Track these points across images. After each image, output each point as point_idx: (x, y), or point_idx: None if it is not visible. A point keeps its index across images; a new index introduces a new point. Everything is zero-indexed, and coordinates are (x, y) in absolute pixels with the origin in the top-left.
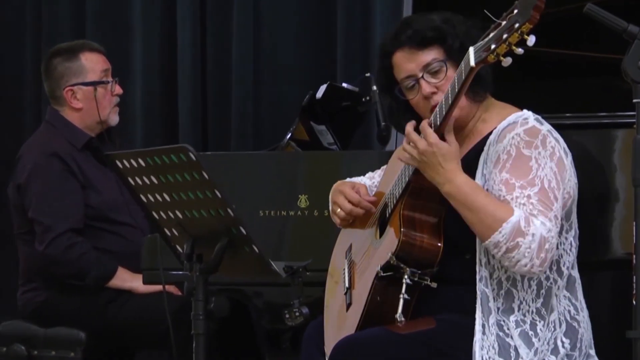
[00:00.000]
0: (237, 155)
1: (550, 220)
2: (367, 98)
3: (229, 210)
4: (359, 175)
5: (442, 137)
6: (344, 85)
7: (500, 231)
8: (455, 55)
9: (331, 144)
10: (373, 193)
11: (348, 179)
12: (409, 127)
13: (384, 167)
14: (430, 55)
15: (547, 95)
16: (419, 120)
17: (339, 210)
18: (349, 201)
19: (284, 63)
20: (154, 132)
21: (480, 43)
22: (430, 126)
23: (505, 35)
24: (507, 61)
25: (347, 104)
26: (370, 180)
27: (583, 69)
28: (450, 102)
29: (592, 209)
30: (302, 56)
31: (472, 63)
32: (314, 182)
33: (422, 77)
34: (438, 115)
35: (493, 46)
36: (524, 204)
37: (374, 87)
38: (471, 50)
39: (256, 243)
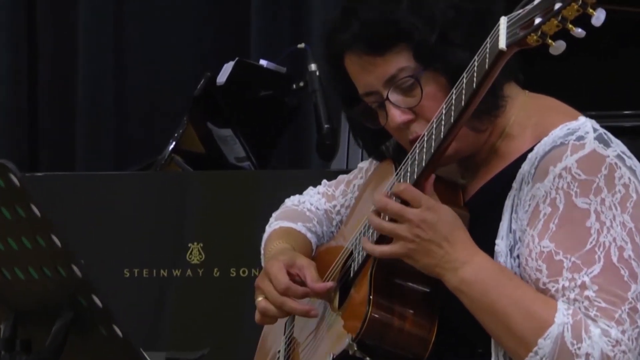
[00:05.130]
0: (89, 178)
1: (621, 323)
2: (301, 84)
3: (75, 268)
4: (280, 201)
5: None
6: (263, 63)
7: (537, 352)
8: (432, 57)
9: (241, 160)
10: (335, 224)
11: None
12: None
13: (352, 175)
14: (394, 63)
15: (588, 80)
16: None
17: (260, 298)
18: (278, 290)
19: (165, 31)
20: None
21: (516, 14)
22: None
23: (558, 5)
24: (557, 46)
25: (268, 93)
26: (330, 202)
27: None
28: (445, 131)
29: None
30: (195, 19)
31: (503, 45)
32: (212, 223)
33: (388, 97)
34: (415, 163)
35: (538, 21)
36: (575, 300)
37: (312, 66)
38: (503, 22)
39: (119, 322)
